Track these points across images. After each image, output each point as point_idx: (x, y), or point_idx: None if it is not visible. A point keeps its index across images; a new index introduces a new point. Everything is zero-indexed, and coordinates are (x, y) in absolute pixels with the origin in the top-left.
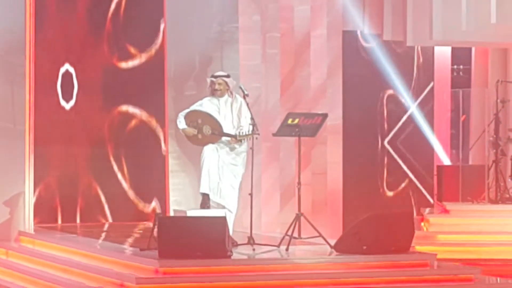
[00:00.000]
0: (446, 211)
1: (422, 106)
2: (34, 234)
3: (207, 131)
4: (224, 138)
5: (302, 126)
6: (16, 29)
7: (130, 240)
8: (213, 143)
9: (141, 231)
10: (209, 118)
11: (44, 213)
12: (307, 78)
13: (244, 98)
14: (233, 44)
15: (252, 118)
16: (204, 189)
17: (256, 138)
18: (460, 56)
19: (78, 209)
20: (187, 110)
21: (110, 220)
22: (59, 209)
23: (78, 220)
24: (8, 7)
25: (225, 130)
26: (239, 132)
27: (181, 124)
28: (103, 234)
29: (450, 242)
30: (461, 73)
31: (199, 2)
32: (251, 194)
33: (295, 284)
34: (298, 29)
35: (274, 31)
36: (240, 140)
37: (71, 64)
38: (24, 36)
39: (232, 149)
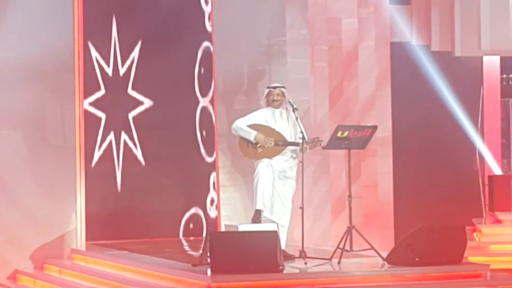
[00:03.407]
0: (498, 221)
1: (471, 116)
2: (86, 251)
3: (269, 144)
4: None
5: (352, 139)
6: (65, 47)
7: (182, 256)
8: (269, 157)
9: (192, 247)
10: (270, 130)
11: (96, 230)
12: (355, 90)
13: (294, 112)
14: (281, 58)
15: (301, 132)
16: (259, 206)
17: (320, 145)
18: (509, 65)
19: (129, 226)
20: (244, 121)
21: (161, 236)
22: (110, 226)
23: (129, 237)
24: (57, 26)
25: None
26: (304, 140)
27: (251, 132)
28: (155, 250)
29: (503, 252)
30: (510, 82)
31: (247, 16)
32: (302, 208)
33: None
34: (346, 41)
35: (322, 44)
36: (307, 148)
37: None
38: (73, 54)
39: (287, 161)
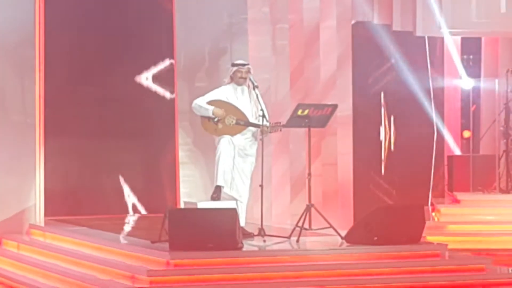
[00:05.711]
0: (456, 201)
1: (432, 96)
2: (44, 227)
3: (230, 121)
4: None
5: (312, 117)
6: (25, 22)
7: (141, 232)
8: (231, 134)
9: (152, 224)
10: (233, 108)
11: (55, 206)
12: (316, 69)
13: (254, 89)
14: (242, 36)
15: (262, 110)
16: (220, 182)
17: (280, 130)
18: (470, 46)
19: (89, 202)
20: (205, 98)
21: (120, 212)
22: (69, 202)
23: (88, 213)
24: (18, 1)
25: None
26: (265, 123)
27: (208, 108)
28: (114, 227)
29: (461, 232)
30: (470, 63)
31: None
32: (261, 186)
33: (305, 275)
34: (308, 20)
35: (284, 23)
36: (268, 131)
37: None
38: (34, 29)
39: (247, 139)
